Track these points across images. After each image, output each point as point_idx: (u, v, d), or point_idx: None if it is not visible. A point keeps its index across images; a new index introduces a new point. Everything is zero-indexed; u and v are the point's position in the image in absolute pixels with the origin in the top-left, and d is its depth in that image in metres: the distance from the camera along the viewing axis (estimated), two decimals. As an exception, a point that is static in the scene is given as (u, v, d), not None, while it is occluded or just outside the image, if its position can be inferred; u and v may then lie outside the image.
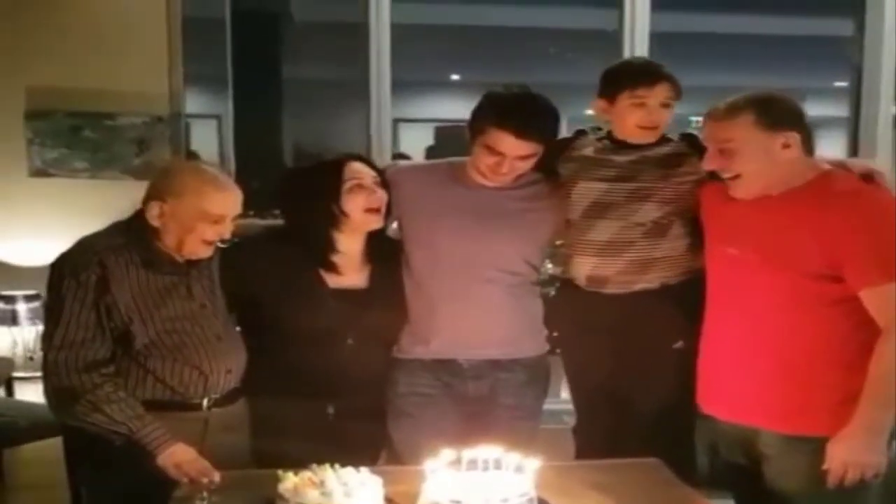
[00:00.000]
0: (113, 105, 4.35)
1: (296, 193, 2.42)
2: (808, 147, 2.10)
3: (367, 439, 2.38)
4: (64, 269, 2.10)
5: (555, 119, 2.42)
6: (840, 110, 5.38)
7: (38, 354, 4.31)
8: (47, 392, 2.13)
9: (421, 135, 9.02)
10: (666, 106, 2.41)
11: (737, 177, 2.12)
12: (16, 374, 4.25)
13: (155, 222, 2.14)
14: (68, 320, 2.06)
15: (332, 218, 2.32)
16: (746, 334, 2.13)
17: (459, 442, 2.03)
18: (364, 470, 1.91)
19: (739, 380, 2.15)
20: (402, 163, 2.82)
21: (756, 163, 2.09)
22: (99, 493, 2.14)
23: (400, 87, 4.50)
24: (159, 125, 4.37)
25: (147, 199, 2.15)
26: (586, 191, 2.49)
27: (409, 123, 9.16)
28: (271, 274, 2.34)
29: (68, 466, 2.69)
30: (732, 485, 2.30)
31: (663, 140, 2.49)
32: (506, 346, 2.48)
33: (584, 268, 2.50)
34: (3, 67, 4.26)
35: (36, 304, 4.33)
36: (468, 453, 1.92)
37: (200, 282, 2.23)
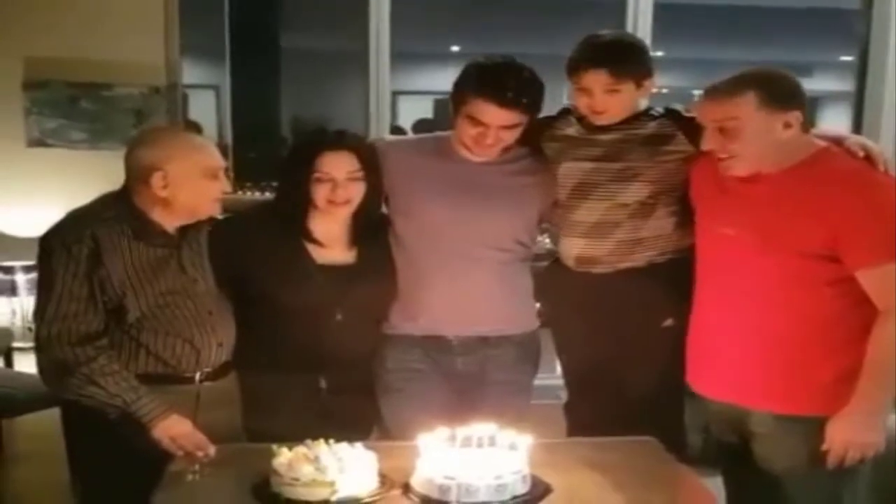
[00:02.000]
0: (111, 75, 4.33)
1: (282, 167, 2.42)
2: (807, 124, 2.08)
3: (358, 414, 2.38)
4: (54, 243, 2.08)
5: (539, 88, 2.36)
6: (845, 85, 5.34)
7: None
8: (41, 366, 2.12)
9: (420, 107, 8.98)
10: (612, 91, 2.31)
11: (734, 156, 2.08)
12: (15, 345, 4.26)
13: (162, 193, 2.11)
14: (60, 293, 2.05)
15: (303, 200, 2.31)
16: (739, 314, 2.11)
17: (449, 418, 2.03)
18: (358, 445, 1.91)
19: (732, 359, 2.14)
20: (389, 137, 2.75)
21: (757, 143, 2.04)
22: (93, 465, 2.13)
23: (399, 58, 4.47)
24: (156, 96, 4.35)
25: (145, 173, 2.12)
26: (571, 171, 2.44)
27: (408, 95, 9.11)
28: (259, 249, 2.32)
29: (66, 437, 2.70)
30: (722, 463, 2.30)
31: (647, 116, 2.43)
32: (495, 322, 2.45)
33: (573, 249, 2.47)
34: (1, 37, 4.24)
35: (34, 274, 4.32)
36: (462, 430, 1.92)
37: (191, 256, 2.22)
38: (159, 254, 2.15)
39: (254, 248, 2.32)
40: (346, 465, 1.82)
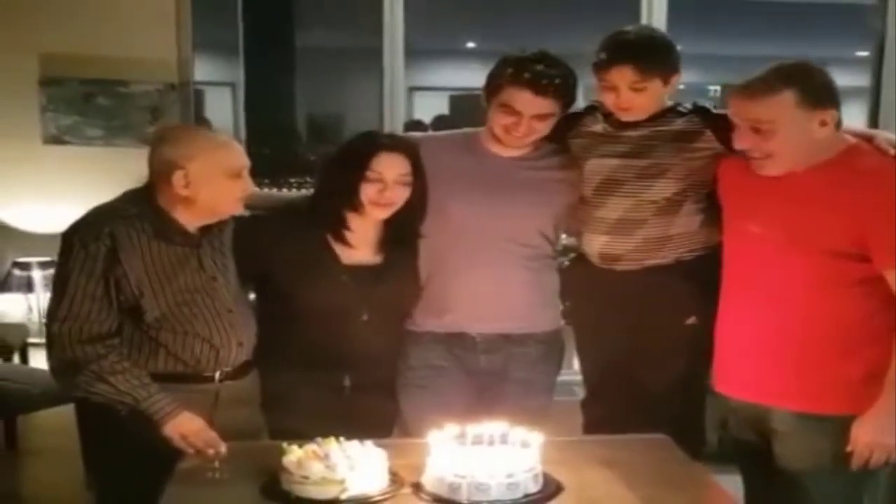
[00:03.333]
0: (126, 72, 4.34)
1: (331, 160, 2.40)
2: (840, 121, 2.04)
3: (381, 413, 2.38)
4: (73, 239, 2.07)
5: (572, 79, 2.36)
6: (861, 80, 5.28)
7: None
8: (51, 363, 2.12)
9: (436, 103, 8.97)
10: (639, 89, 2.28)
11: (768, 156, 2.04)
12: (31, 341, 4.29)
13: (184, 192, 2.08)
14: (74, 292, 2.04)
15: (348, 197, 2.29)
16: (765, 312, 2.09)
17: (470, 415, 2.02)
18: (369, 443, 1.90)
19: (756, 357, 2.12)
20: (418, 134, 2.75)
21: (793, 143, 2.00)
22: (107, 461, 2.13)
23: (415, 54, 4.47)
24: (172, 93, 4.36)
25: (167, 171, 2.09)
26: (597, 167, 2.43)
27: (424, 92, 9.09)
28: (285, 249, 2.31)
29: (81, 433, 2.72)
30: (741, 461, 2.28)
31: (674, 113, 2.41)
32: (519, 320, 2.45)
33: (595, 245, 2.46)
34: (18, 34, 4.26)
35: (51, 270, 4.34)
36: (474, 428, 1.91)
37: (212, 254, 2.20)
38: (179, 252, 2.14)
39: (279, 248, 2.31)
40: (356, 462, 1.81)
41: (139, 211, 2.12)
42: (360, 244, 2.35)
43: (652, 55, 2.29)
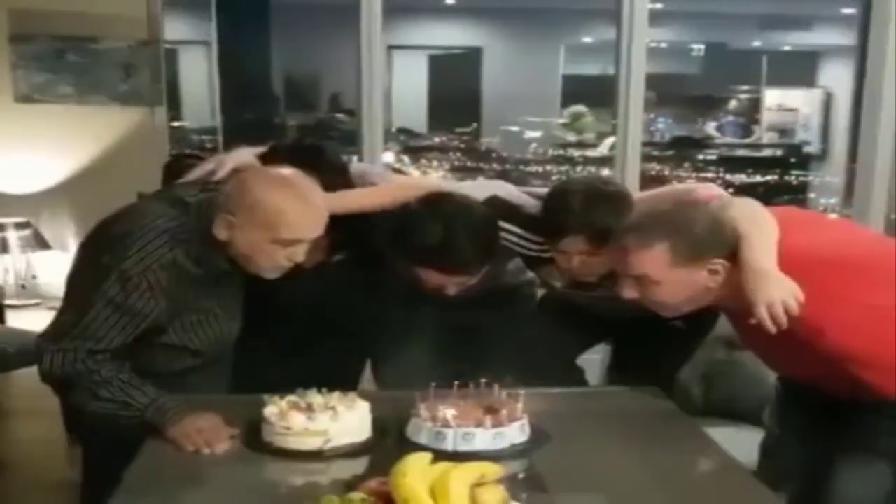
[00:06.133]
0: (97, 29, 4.24)
1: None
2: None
3: (344, 366, 2.35)
4: (108, 268, 1.84)
5: (484, 249, 2.14)
6: (847, 39, 5.24)
7: (30, 282, 4.31)
8: (48, 375, 1.90)
9: (415, 62, 8.86)
10: (592, 254, 2.07)
11: (655, 304, 1.89)
12: (7, 302, 4.24)
13: (222, 237, 1.88)
14: (92, 320, 1.84)
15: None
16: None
17: (451, 366, 2.01)
18: (352, 394, 1.87)
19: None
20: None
21: (678, 294, 1.85)
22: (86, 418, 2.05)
23: (393, 11, 4.35)
24: (145, 49, 4.26)
25: (217, 210, 1.89)
26: (576, 302, 2.35)
27: (404, 50, 8.96)
28: None
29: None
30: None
31: None
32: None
33: None
34: (-16, -10, 4.15)
35: (26, 232, 4.28)
36: (458, 379, 1.89)
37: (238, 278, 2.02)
38: (218, 280, 1.98)
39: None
40: (338, 414, 1.78)
41: (186, 225, 1.90)
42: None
43: (606, 220, 2.02)
